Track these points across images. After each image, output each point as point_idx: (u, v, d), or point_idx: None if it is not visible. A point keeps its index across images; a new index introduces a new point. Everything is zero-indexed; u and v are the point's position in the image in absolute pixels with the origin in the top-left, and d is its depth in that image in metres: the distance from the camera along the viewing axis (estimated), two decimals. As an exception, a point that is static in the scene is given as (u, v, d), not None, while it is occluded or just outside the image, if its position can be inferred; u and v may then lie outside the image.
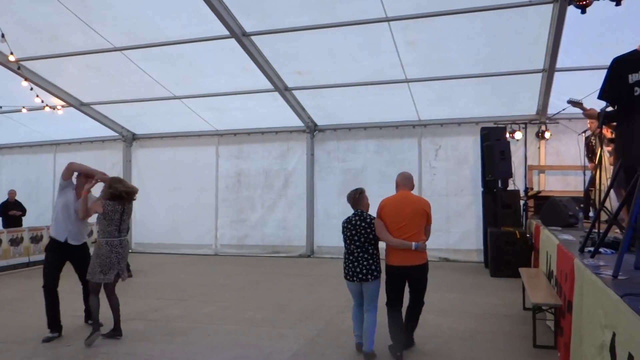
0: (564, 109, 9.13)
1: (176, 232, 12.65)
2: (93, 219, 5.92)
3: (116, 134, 13.49)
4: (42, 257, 11.39)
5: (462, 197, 11.18)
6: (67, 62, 10.24)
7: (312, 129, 12.16)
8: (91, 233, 10.24)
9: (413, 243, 4.72)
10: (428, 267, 4.94)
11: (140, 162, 13.54)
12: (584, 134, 8.50)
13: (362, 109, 11.35)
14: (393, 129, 11.73)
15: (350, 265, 4.83)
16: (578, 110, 6.13)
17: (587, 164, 8.15)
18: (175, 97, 11.43)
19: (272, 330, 5.89)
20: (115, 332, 5.62)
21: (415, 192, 5.93)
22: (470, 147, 11.18)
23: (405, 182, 5.13)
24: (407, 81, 10.09)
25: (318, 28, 8.59)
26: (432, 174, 11.35)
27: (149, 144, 13.54)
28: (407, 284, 4.95)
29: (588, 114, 5.65)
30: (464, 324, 6.04)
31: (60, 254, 5.75)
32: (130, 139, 13.53)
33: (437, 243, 10.46)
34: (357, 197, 4.99)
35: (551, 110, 10.44)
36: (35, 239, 11.45)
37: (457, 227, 11.07)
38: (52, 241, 5.80)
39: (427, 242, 4.92)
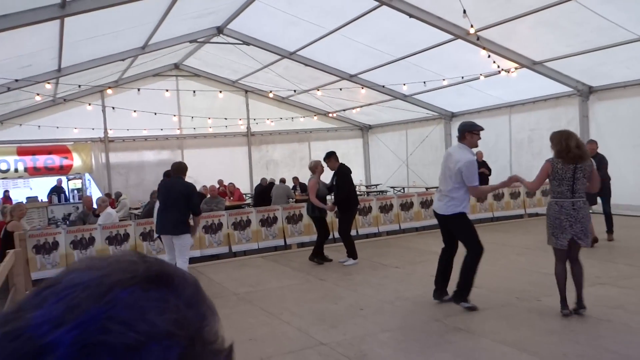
0: None
1: (645, 192, 11.15)
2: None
3: (570, 89, 12.87)
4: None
5: None
6: (519, 23, 10.34)
7: None
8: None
9: None
10: None
11: (599, 117, 12.48)
12: None
13: None
14: None
15: None
16: None
17: None
18: (640, 39, 9.94)
19: None
20: (578, 306, 5.07)
21: None
22: None
23: None
24: None
25: None
26: None
27: (608, 95, 12.32)
28: None
29: None
30: None
31: None
32: (586, 93, 12.64)
33: None
34: None
35: None
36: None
37: None
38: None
39: None
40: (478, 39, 10.53)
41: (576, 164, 4.97)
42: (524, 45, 11.54)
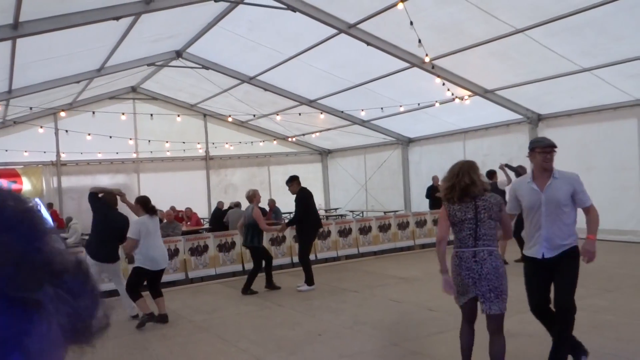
0: None
1: (592, 216, 11.61)
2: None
3: (520, 117, 13.40)
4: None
5: None
6: (471, 53, 10.74)
7: None
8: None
9: None
10: None
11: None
12: None
13: None
14: None
15: None
16: None
17: None
18: (583, 70, 10.49)
19: None
20: None
21: None
22: None
23: None
24: None
25: None
26: None
27: (555, 123, 12.89)
28: None
29: None
30: None
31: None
32: (535, 120, 13.19)
33: None
34: None
35: None
36: (419, 224, 12.47)
37: None
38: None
39: None
40: (433, 67, 10.88)
41: (475, 201, 3.98)
42: (475, 74, 11.99)
